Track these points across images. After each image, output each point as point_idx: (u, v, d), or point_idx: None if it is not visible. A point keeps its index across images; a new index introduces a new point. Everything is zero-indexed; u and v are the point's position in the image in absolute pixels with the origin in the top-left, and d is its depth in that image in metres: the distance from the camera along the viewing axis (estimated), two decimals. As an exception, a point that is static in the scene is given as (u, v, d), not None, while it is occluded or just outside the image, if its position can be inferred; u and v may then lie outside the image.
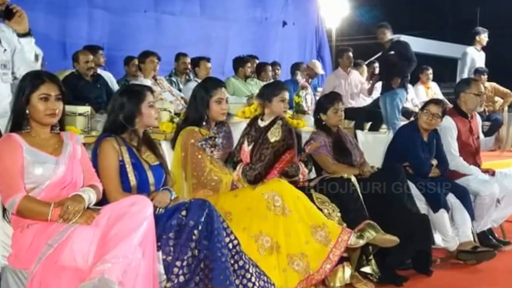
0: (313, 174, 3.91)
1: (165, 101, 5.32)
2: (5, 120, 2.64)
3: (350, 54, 7.26)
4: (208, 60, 6.51)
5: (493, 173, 4.45)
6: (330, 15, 11.63)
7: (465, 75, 7.39)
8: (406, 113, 6.82)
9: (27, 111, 2.50)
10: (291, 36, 10.63)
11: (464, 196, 4.05)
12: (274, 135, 3.37)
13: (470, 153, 4.45)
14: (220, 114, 3.37)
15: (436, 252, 3.84)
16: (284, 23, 10.50)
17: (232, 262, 2.58)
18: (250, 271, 2.63)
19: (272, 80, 7.03)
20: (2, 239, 2.49)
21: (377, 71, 7.82)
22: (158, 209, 2.66)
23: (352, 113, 6.32)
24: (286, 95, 3.75)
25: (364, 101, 7.34)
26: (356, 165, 3.93)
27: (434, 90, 8.54)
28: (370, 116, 6.66)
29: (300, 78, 7.56)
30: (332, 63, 10.98)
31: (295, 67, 7.86)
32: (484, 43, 7.71)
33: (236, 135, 3.58)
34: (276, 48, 10.21)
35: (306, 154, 3.83)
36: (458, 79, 7.28)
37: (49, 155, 2.50)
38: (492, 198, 4.16)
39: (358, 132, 5.00)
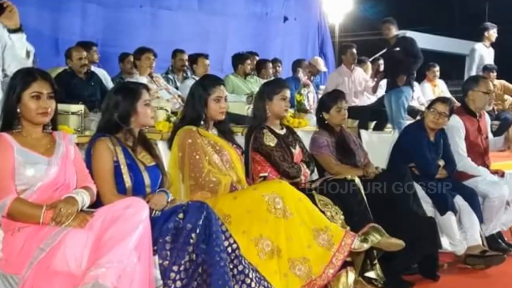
0: (315, 176, 3.92)
1: (162, 99, 5.33)
2: (-5, 119, 2.64)
3: (354, 50, 7.25)
4: (206, 56, 6.51)
5: (502, 174, 4.45)
6: (333, 10, 11.63)
7: (473, 73, 7.38)
8: (412, 112, 6.82)
9: (18, 110, 2.50)
10: (293, 32, 10.63)
11: (472, 198, 4.05)
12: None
13: (479, 154, 4.45)
14: (219, 113, 3.37)
15: (443, 256, 3.84)
16: (285, 19, 10.50)
17: (231, 266, 2.58)
18: (250, 276, 2.63)
19: (272, 78, 7.04)
20: (-8, 243, 2.49)
21: (381, 68, 7.82)
22: (154, 211, 2.65)
23: (356, 112, 6.33)
24: (287, 93, 3.76)
25: (368, 99, 7.34)
26: (360, 166, 3.93)
27: (441, 88, 8.54)
28: (375, 115, 6.66)
29: (302, 75, 7.57)
30: (335, 60, 10.98)
31: (297, 64, 7.87)
32: (493, 39, 7.71)
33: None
34: (277, 44, 10.21)
35: (308, 154, 3.84)
36: (466, 77, 7.25)
37: (41, 155, 2.50)
38: (502, 200, 4.16)
39: (362, 132, 5.01)
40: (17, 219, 2.39)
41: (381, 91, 7.08)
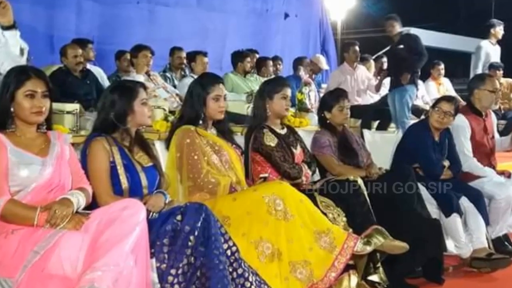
0: (317, 176, 3.91)
1: (159, 98, 5.33)
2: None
3: (357, 48, 7.26)
4: (205, 54, 6.51)
5: (509, 175, 4.45)
6: (335, 7, 11.65)
7: (479, 71, 7.39)
8: (416, 111, 6.82)
9: (12, 109, 2.50)
10: (294, 29, 10.64)
11: (478, 199, 4.04)
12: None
13: (485, 154, 4.45)
14: (218, 112, 3.37)
15: (448, 259, 3.83)
16: (286, 15, 10.51)
17: (230, 270, 2.58)
18: (250, 279, 2.63)
19: (273, 76, 7.04)
20: (-15, 246, 2.48)
21: (385, 66, 7.80)
22: (151, 213, 2.66)
23: (358, 111, 6.31)
24: (288, 91, 3.76)
25: (371, 98, 7.34)
26: (363, 166, 3.94)
27: (446, 87, 8.54)
28: (378, 114, 6.66)
29: (303, 73, 7.57)
30: (337, 58, 11.00)
31: (298, 62, 7.88)
32: (500, 36, 7.72)
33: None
34: (278, 41, 10.22)
35: (310, 155, 3.85)
36: (471, 75, 7.29)
37: (35, 155, 2.50)
38: (508, 201, 4.16)
39: (365, 131, 5.01)
40: (11, 221, 2.39)
41: (384, 90, 7.09)
